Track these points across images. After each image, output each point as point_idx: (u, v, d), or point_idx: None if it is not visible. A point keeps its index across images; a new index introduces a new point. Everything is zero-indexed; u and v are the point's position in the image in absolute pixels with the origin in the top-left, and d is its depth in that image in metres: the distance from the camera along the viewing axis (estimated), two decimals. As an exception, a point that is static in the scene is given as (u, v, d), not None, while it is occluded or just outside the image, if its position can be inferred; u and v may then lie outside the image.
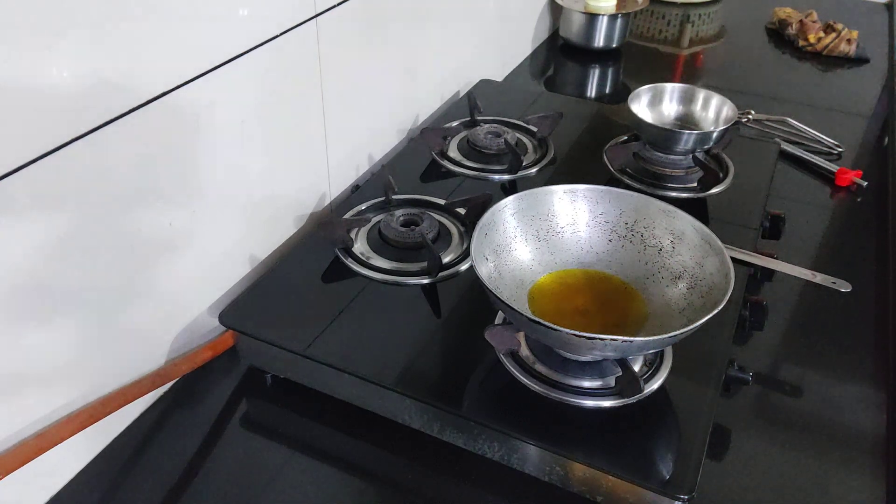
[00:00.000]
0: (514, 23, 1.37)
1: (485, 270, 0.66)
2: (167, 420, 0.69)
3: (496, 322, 0.68)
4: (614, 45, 1.44)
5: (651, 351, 0.64)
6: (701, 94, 0.99)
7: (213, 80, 0.66)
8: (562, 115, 1.02)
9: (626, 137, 1.02)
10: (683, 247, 0.68)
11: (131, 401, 0.65)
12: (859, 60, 1.42)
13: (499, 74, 1.34)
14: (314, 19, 0.78)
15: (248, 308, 0.72)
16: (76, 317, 0.59)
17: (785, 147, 1.10)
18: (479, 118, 1.05)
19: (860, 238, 0.96)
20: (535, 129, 1.03)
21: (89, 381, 0.62)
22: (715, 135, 0.91)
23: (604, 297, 0.70)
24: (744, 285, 0.76)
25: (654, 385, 0.63)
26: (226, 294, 0.77)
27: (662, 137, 0.93)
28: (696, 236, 0.67)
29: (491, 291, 0.60)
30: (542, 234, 0.72)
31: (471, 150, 0.99)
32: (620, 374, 0.62)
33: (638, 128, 0.97)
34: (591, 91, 1.38)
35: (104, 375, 0.64)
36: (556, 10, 1.47)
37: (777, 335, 0.78)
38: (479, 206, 0.81)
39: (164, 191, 0.65)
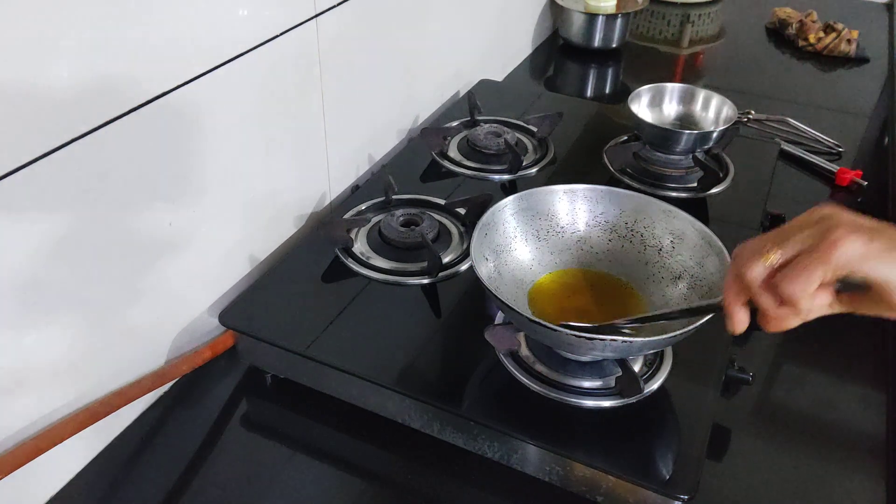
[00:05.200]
0: (514, 23, 1.37)
1: (485, 270, 0.66)
2: (167, 420, 0.69)
3: (496, 322, 0.68)
4: (614, 45, 1.44)
5: (651, 351, 0.64)
6: (701, 94, 0.99)
7: (213, 80, 0.66)
8: (562, 115, 1.02)
9: (626, 137, 1.02)
10: (683, 247, 0.68)
11: (131, 401, 0.65)
12: (859, 60, 1.42)
13: (499, 74, 1.34)
14: (314, 19, 0.78)
15: (248, 308, 0.72)
16: (76, 317, 0.59)
17: (785, 147, 1.10)
18: (479, 118, 1.05)
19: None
20: (535, 129, 1.03)
21: (89, 381, 0.62)
22: (715, 135, 0.91)
23: (604, 297, 0.70)
24: (744, 285, 0.76)
25: (654, 385, 0.63)
26: (226, 294, 0.77)
27: (662, 137, 0.93)
28: (696, 236, 0.67)
29: (491, 291, 0.60)
30: (542, 234, 0.72)
31: (471, 150, 0.99)
32: (620, 374, 0.62)
33: (638, 128, 0.97)
34: (591, 91, 1.38)
35: (104, 375, 0.64)
36: (556, 10, 1.47)
37: (777, 335, 0.78)
38: (479, 206, 0.81)
39: (164, 191, 0.65)
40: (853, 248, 0.41)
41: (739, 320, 0.47)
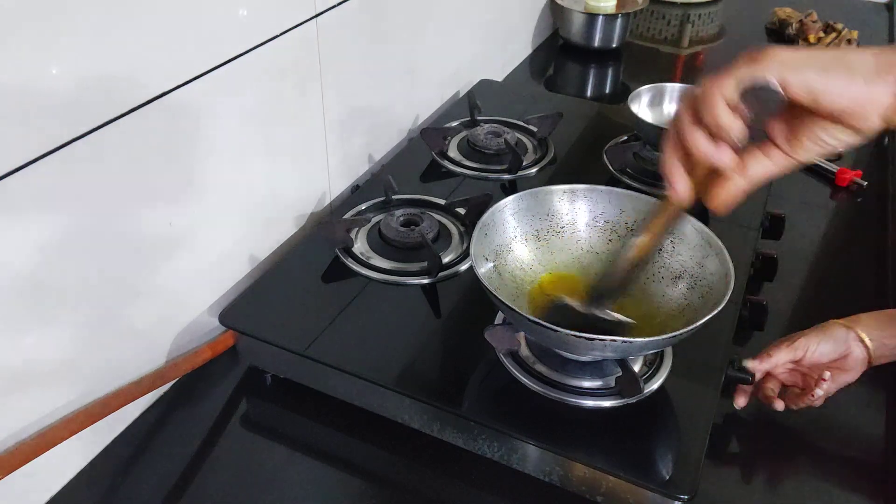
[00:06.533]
0: (514, 23, 1.37)
1: (484, 270, 0.66)
2: (167, 420, 0.69)
3: (496, 322, 0.68)
4: (614, 45, 1.44)
5: (651, 351, 0.64)
6: (701, 94, 0.99)
7: (213, 80, 0.66)
8: (562, 115, 1.02)
9: (626, 137, 1.02)
10: (683, 247, 0.68)
11: (131, 401, 0.65)
12: (859, 60, 1.42)
13: (499, 74, 1.34)
14: (314, 19, 0.78)
15: (248, 308, 0.72)
16: (76, 317, 0.59)
17: (785, 147, 1.09)
18: (479, 118, 1.05)
19: (860, 238, 0.96)
20: (535, 129, 1.03)
21: (89, 381, 0.62)
22: (715, 135, 0.91)
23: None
24: (744, 285, 0.76)
25: (654, 385, 0.63)
26: (226, 294, 0.77)
27: (662, 137, 0.93)
28: (696, 236, 0.67)
29: (491, 291, 0.60)
30: (542, 234, 0.72)
31: (471, 150, 0.99)
32: (620, 374, 0.62)
33: (638, 128, 0.97)
34: (591, 91, 1.38)
35: (104, 375, 0.64)
36: (556, 10, 1.47)
37: (777, 335, 0.78)
38: (479, 206, 0.81)
39: (164, 191, 0.65)
40: (776, 56, 0.43)
41: (678, 181, 0.51)
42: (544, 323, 0.57)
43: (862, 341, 0.64)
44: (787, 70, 0.43)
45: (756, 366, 0.65)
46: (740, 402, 0.68)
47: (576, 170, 0.97)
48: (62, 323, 0.58)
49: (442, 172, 0.95)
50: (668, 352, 0.67)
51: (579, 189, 0.73)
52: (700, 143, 0.47)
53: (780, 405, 0.66)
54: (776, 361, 0.65)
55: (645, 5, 1.46)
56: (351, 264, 0.77)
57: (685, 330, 0.56)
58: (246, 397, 0.71)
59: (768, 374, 0.68)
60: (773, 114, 0.45)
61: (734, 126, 0.45)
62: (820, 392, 0.64)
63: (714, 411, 0.63)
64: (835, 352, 0.64)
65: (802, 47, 0.44)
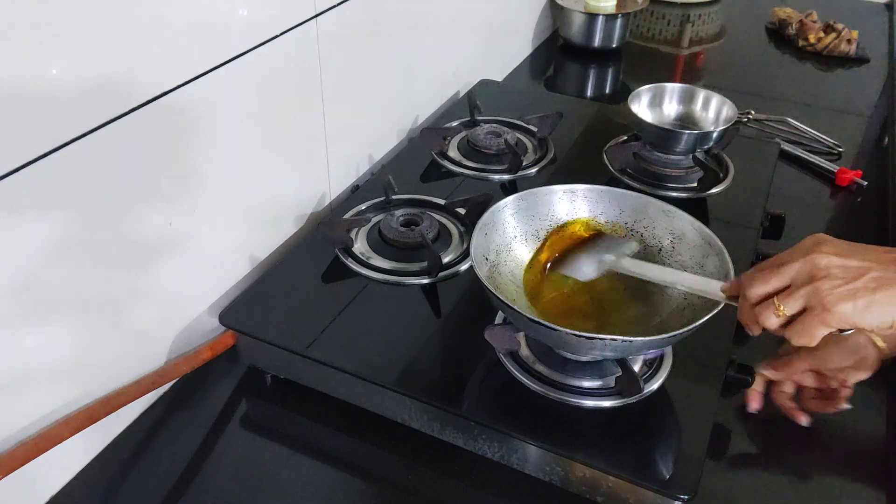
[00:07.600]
0: (514, 23, 1.37)
1: (484, 271, 0.66)
2: (167, 420, 0.69)
3: (496, 322, 0.68)
4: (614, 45, 1.44)
5: (651, 351, 0.64)
6: (701, 94, 0.99)
7: (213, 80, 0.66)
8: (562, 115, 1.02)
9: (626, 137, 1.02)
10: (683, 247, 0.68)
11: (131, 401, 0.65)
12: (859, 60, 1.42)
13: (499, 74, 1.34)
14: (314, 19, 0.78)
15: (248, 308, 0.72)
16: (76, 317, 0.59)
17: (785, 147, 1.10)
18: (478, 118, 1.05)
19: (860, 238, 0.96)
20: (535, 129, 1.03)
21: (89, 381, 0.62)
22: (715, 135, 0.91)
23: (604, 296, 0.70)
24: (744, 285, 0.76)
25: (654, 385, 0.63)
26: (226, 294, 0.77)
27: (662, 137, 0.93)
28: (696, 236, 0.67)
29: (491, 292, 0.60)
30: (541, 234, 0.72)
31: (471, 150, 0.99)
32: (620, 374, 0.62)
33: (638, 128, 0.97)
34: (591, 91, 1.38)
35: (104, 375, 0.64)
36: (556, 10, 1.47)
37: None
38: (479, 206, 0.81)
39: (164, 191, 0.65)
40: (843, 311, 0.50)
41: (756, 333, 0.56)
42: (544, 323, 0.57)
43: (875, 343, 0.66)
44: (856, 319, 0.50)
45: (772, 374, 0.66)
46: (753, 406, 0.68)
47: (576, 170, 0.97)
48: (62, 323, 0.58)
49: (442, 172, 0.95)
50: (668, 352, 0.67)
51: (579, 189, 0.73)
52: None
53: (805, 420, 0.66)
54: (794, 371, 0.65)
55: (645, 5, 1.46)
56: (351, 264, 0.77)
57: (685, 330, 0.56)
58: (246, 397, 0.71)
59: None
60: None
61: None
62: (848, 402, 0.66)
63: (714, 411, 0.63)
64: (851, 358, 0.65)
65: (848, 277, 0.51)
